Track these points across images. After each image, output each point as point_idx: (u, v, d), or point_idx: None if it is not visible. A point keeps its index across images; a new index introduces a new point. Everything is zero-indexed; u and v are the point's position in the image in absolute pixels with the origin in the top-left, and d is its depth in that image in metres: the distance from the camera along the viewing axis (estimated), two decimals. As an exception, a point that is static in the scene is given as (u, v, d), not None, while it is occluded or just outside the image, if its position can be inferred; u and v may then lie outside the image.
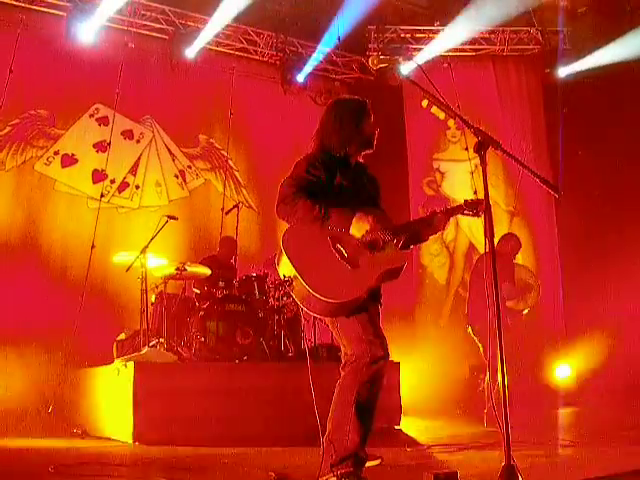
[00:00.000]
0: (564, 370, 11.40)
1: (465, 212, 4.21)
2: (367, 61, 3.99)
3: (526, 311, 8.30)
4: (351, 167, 4.25)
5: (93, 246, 9.28)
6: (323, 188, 4.04)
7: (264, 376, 7.23)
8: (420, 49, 12.13)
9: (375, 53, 3.62)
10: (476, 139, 3.47)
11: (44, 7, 10.08)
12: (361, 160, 4.36)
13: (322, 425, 3.94)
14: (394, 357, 7.88)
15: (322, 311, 3.94)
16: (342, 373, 3.94)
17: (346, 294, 3.80)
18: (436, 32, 12.23)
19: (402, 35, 12.21)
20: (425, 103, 3.47)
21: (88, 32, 10.10)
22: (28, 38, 9.79)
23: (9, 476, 4.49)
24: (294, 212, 3.92)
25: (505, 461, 3.12)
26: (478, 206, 4.18)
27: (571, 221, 11.43)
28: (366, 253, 3.92)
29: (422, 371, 10.01)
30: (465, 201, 4.26)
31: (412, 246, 4.30)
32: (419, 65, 3.66)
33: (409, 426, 7.96)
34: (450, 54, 12.26)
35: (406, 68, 3.85)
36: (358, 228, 3.89)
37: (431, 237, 4.29)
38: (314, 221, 3.89)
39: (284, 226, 4.06)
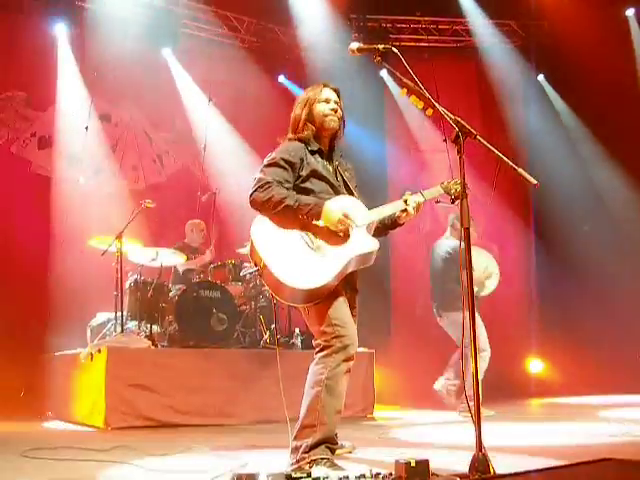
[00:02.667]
0: (536, 364, 11.54)
1: (439, 201, 4.25)
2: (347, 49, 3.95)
3: (485, 293, 8.14)
4: (323, 153, 4.30)
5: (67, 229, 9.20)
6: (295, 176, 4.12)
7: (238, 363, 7.23)
8: (401, 39, 12.16)
9: (356, 41, 3.62)
10: (454, 129, 3.47)
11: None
12: (338, 145, 4.39)
13: (291, 411, 3.97)
14: (369, 346, 7.99)
15: (292, 299, 3.99)
16: (313, 360, 3.96)
17: (313, 281, 3.84)
18: (417, 22, 12.25)
19: (383, 24, 12.21)
20: (404, 92, 3.46)
21: (66, 14, 10.05)
22: (4, 19, 9.70)
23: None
24: (266, 203, 3.96)
25: (476, 450, 3.13)
26: (453, 190, 4.22)
27: (548, 213, 11.54)
28: (336, 240, 3.95)
29: (397, 360, 10.06)
30: (441, 184, 4.31)
31: (388, 231, 4.34)
32: (399, 54, 3.63)
33: (383, 414, 8.00)
34: (431, 45, 12.29)
35: (386, 57, 3.81)
36: (326, 217, 3.92)
37: (406, 224, 4.31)
38: (285, 211, 3.92)
39: (261, 212, 4.07)
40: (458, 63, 12.53)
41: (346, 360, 3.87)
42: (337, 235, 3.96)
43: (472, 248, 3.42)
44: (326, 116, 4.26)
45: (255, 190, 4.01)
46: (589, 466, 2.29)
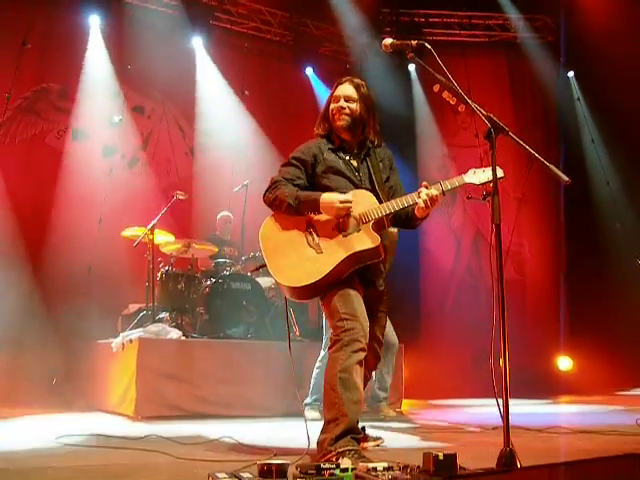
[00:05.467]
0: (565, 362, 11.48)
1: (471, 197, 4.20)
2: (380, 44, 3.96)
3: None
4: (345, 149, 4.35)
5: (101, 221, 9.31)
6: (309, 173, 4.26)
7: (267, 354, 7.28)
8: (434, 33, 12.13)
9: (389, 36, 3.61)
10: (486, 125, 3.47)
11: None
12: (374, 141, 4.42)
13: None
14: (398, 341, 8.00)
15: (289, 294, 4.12)
16: (328, 352, 4.01)
17: (305, 278, 3.95)
18: (450, 17, 12.21)
19: (416, 19, 12.19)
20: (437, 88, 3.47)
21: (101, 6, 10.15)
22: (42, 12, 9.81)
23: (16, 445, 4.55)
24: (273, 202, 4.15)
25: (504, 445, 3.15)
26: (481, 180, 4.14)
27: (579, 210, 11.46)
28: (336, 237, 4.03)
29: (426, 355, 10.06)
30: (464, 174, 4.22)
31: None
32: (431, 49, 3.63)
33: (411, 409, 8.02)
34: (464, 39, 12.25)
35: (419, 52, 3.81)
36: (325, 208, 4.04)
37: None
38: (288, 210, 4.08)
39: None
40: (491, 58, 12.50)
41: (356, 352, 3.90)
42: (338, 233, 4.04)
43: None
44: (334, 115, 4.32)
45: (266, 190, 4.23)
46: (613, 461, 2.30)
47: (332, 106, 4.34)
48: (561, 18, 12.15)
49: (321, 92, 11.56)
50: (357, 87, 4.36)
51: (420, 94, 12.15)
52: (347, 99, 4.31)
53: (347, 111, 4.29)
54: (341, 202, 4.00)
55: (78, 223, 9.55)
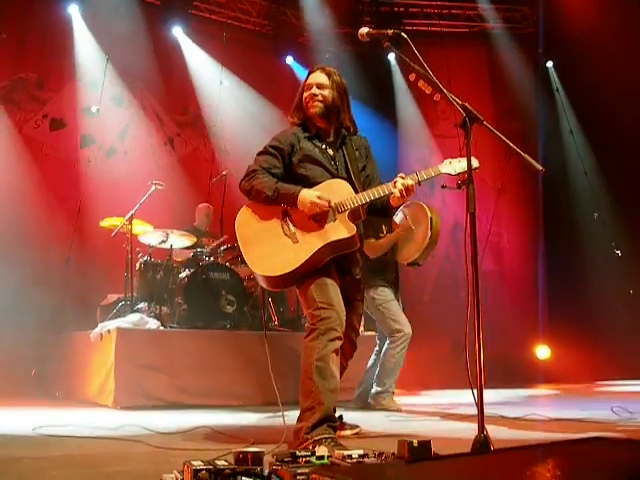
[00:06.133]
0: (543, 351, 11.57)
1: (445, 186, 4.19)
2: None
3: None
4: (321, 137, 4.37)
5: (79, 211, 9.25)
6: (286, 161, 4.26)
7: (246, 344, 7.28)
8: (414, 23, 12.14)
9: (367, 26, 3.62)
10: (462, 115, 3.48)
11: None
12: (349, 130, 4.42)
13: (296, 393, 4.03)
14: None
15: (265, 283, 4.14)
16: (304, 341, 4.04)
17: (281, 268, 3.97)
18: (430, 7, 12.23)
19: (396, 9, 12.19)
20: (412, 77, 3.48)
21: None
22: (18, 1, 9.74)
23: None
24: (249, 191, 4.16)
25: (478, 431, 3.18)
26: (456, 170, 4.16)
27: (557, 201, 11.53)
28: (312, 227, 4.04)
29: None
30: (440, 164, 4.24)
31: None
32: (407, 39, 3.63)
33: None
34: (444, 30, 12.27)
35: (396, 41, 3.82)
36: (301, 203, 4.03)
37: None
38: (265, 201, 4.09)
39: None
40: (470, 48, 12.53)
41: (332, 340, 3.93)
42: (314, 222, 4.05)
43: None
44: (307, 102, 4.34)
45: (243, 179, 4.23)
46: (581, 444, 2.34)
47: (305, 94, 4.35)
48: (540, 9, 12.19)
49: (298, 79, 11.52)
50: (329, 74, 4.37)
51: (400, 84, 12.16)
52: (319, 86, 4.32)
53: (320, 98, 4.30)
54: (319, 198, 4.01)
55: (56, 213, 9.50)
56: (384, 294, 6.76)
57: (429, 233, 6.32)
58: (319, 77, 4.36)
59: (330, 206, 4.04)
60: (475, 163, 3.74)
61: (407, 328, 6.77)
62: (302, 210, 4.05)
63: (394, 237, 6.58)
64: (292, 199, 4.04)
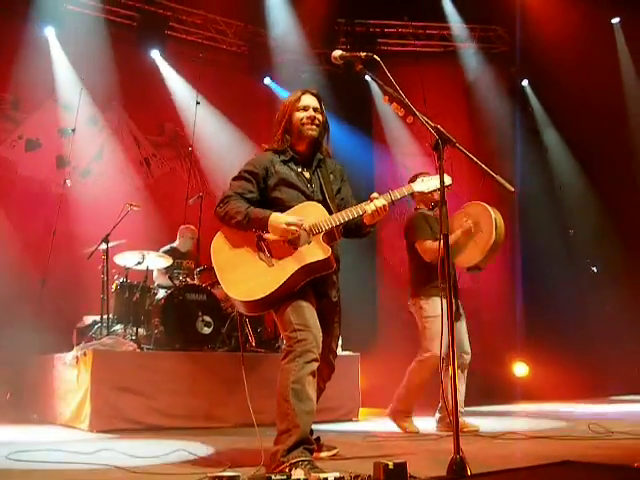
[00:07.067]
0: (521, 368, 11.60)
1: (418, 208, 4.24)
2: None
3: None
4: (298, 160, 4.36)
5: (54, 232, 9.19)
6: (261, 186, 4.26)
7: (224, 366, 7.24)
8: (389, 43, 12.23)
9: (341, 47, 3.63)
10: (434, 137, 3.51)
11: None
12: (325, 152, 4.44)
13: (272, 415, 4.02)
14: (355, 350, 8.05)
15: (243, 308, 4.15)
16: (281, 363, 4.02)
17: (258, 292, 3.97)
18: (405, 27, 12.32)
19: (371, 29, 12.27)
20: (385, 99, 3.51)
21: (53, 17, 10.09)
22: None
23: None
24: (223, 218, 4.15)
25: (454, 452, 3.18)
26: (430, 187, 4.21)
27: (533, 219, 11.61)
28: (287, 251, 4.05)
29: (383, 364, 10.08)
30: (411, 182, 4.31)
31: (364, 233, 4.37)
32: (380, 61, 3.66)
33: (368, 418, 8.05)
34: (419, 49, 12.35)
35: (369, 64, 3.84)
36: (272, 230, 4.03)
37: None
38: (238, 226, 4.09)
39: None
40: (446, 68, 12.59)
41: (309, 362, 3.92)
42: (288, 245, 4.05)
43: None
44: (303, 125, 4.30)
45: (217, 205, 4.22)
46: (550, 468, 2.35)
47: (300, 115, 4.31)
48: (514, 28, 12.31)
49: (276, 100, 11.54)
50: (319, 100, 4.39)
51: (378, 102, 12.20)
52: (316, 110, 4.33)
53: (317, 122, 4.31)
54: (287, 224, 4.00)
55: (31, 234, 9.44)
56: (432, 307, 6.28)
57: (494, 235, 6.10)
58: (313, 101, 4.35)
59: (303, 229, 4.04)
60: (448, 181, 3.75)
61: (436, 350, 5.97)
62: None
63: (454, 239, 6.18)
64: (262, 224, 4.04)
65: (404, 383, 6.51)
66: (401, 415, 6.44)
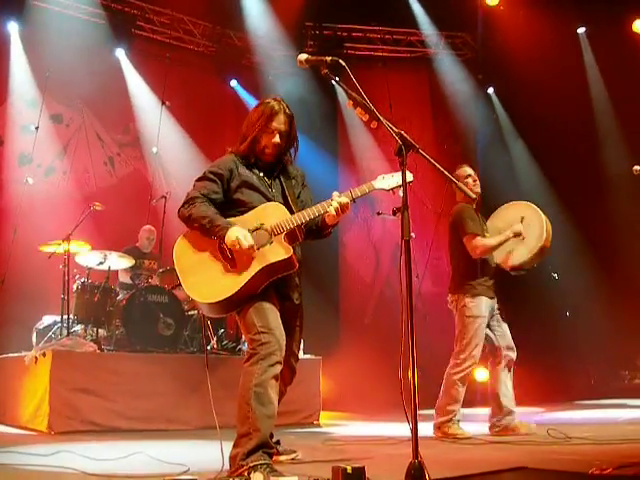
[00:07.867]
0: (482, 373, 11.64)
1: (381, 213, 4.24)
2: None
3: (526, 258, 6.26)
4: (260, 166, 4.35)
5: (16, 231, 9.08)
6: (225, 187, 4.24)
7: (185, 368, 7.20)
8: (357, 48, 12.27)
9: (309, 50, 3.63)
10: (397, 142, 3.52)
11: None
12: (289, 157, 4.44)
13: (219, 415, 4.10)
14: (317, 353, 8.05)
15: (206, 310, 4.15)
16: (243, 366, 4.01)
17: (220, 293, 3.96)
18: (373, 32, 12.37)
19: (338, 33, 12.30)
20: (349, 104, 3.50)
21: (19, 12, 9.97)
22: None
23: None
24: (187, 219, 4.14)
25: (412, 457, 3.19)
26: (391, 185, 4.21)
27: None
28: (249, 251, 4.01)
29: (345, 367, 10.11)
30: (373, 181, 4.31)
31: (325, 233, 4.37)
32: (345, 66, 3.66)
33: (329, 421, 8.05)
34: (385, 55, 12.41)
35: (335, 68, 3.84)
36: (227, 240, 3.98)
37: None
38: (201, 229, 4.08)
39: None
40: (412, 73, 12.69)
41: (272, 365, 3.92)
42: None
43: None
44: (267, 148, 4.28)
45: (182, 205, 4.19)
46: (504, 474, 2.37)
47: (266, 139, 4.27)
48: (479, 35, 12.43)
49: (249, 103, 11.48)
50: (291, 120, 4.34)
51: (343, 106, 12.23)
52: (282, 136, 4.29)
53: (278, 148, 4.31)
54: (237, 241, 3.95)
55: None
56: (477, 306, 6.20)
57: (544, 236, 6.02)
58: (283, 124, 4.28)
59: (264, 229, 4.05)
60: (409, 177, 3.74)
61: (473, 352, 6.22)
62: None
63: (503, 238, 6.13)
64: (221, 233, 4.00)
65: (443, 389, 6.32)
66: (448, 425, 6.14)
